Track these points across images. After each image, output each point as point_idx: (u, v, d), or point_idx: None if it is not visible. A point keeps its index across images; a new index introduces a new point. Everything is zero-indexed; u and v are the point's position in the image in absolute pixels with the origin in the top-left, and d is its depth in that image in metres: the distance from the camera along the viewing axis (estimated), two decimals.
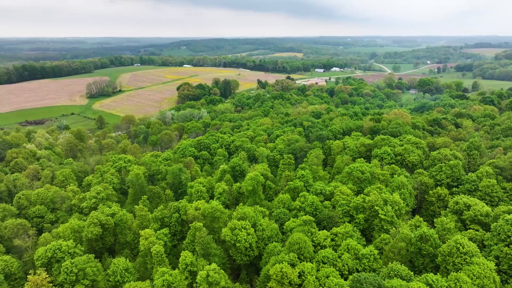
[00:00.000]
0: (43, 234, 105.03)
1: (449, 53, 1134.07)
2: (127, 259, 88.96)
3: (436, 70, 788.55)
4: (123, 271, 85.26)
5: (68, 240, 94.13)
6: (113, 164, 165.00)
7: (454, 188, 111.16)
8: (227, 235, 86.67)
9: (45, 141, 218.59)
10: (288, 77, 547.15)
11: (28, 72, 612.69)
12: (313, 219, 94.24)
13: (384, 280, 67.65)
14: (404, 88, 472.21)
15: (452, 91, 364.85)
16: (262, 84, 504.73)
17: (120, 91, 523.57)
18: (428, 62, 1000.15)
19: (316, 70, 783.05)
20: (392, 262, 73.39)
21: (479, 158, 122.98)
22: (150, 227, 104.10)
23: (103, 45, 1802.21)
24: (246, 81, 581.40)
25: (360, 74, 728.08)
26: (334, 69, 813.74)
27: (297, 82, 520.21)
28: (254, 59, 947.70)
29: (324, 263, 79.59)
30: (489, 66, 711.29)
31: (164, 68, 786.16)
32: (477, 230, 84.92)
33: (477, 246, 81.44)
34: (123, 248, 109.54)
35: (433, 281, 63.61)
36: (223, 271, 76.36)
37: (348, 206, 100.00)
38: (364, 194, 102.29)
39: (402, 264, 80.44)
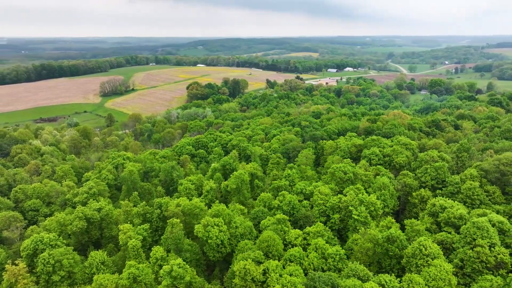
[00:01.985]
0: (30, 227, 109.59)
1: (469, 53, 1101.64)
2: (105, 252, 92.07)
3: (453, 70, 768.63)
4: (99, 263, 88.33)
5: (54, 233, 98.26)
6: (111, 161, 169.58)
7: (438, 190, 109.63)
8: (200, 232, 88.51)
9: (51, 137, 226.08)
10: (297, 77, 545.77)
11: (46, 71, 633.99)
12: (288, 217, 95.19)
13: (342, 279, 68.05)
14: (416, 89, 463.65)
15: (462, 92, 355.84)
16: (270, 84, 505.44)
17: (133, 90, 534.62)
18: (446, 62, 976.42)
19: (329, 70, 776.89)
20: (353, 262, 73.59)
21: (468, 161, 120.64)
22: (133, 222, 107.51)
23: (122, 44, 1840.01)
24: (257, 80, 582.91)
25: (373, 74, 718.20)
26: (347, 69, 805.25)
27: (306, 82, 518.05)
28: (267, 59, 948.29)
29: (291, 262, 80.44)
30: (509, 66, 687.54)
31: (177, 68, 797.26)
32: (450, 233, 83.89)
33: (448, 248, 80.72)
34: (108, 242, 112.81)
35: (386, 281, 63.65)
36: (188, 266, 78.13)
37: (325, 206, 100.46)
38: (342, 195, 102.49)
39: (370, 265, 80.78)
